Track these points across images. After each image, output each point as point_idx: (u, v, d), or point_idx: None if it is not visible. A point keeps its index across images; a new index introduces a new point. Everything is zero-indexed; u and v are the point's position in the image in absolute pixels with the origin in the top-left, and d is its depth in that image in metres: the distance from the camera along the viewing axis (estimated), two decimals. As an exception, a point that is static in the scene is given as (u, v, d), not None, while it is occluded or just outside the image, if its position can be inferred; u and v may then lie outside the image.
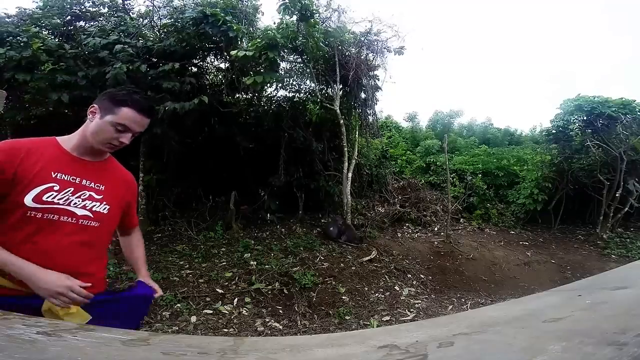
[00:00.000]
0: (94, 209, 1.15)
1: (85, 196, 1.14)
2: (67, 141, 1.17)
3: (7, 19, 3.87)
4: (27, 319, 0.69)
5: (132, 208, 1.37)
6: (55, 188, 1.08)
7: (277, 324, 3.19)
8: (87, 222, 1.13)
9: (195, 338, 0.68)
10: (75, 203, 1.11)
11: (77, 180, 1.13)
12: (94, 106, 1.15)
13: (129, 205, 1.33)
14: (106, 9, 4.80)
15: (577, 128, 6.86)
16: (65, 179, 1.11)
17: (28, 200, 1.04)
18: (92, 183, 1.17)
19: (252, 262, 4.19)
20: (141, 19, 5.12)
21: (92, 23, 4.56)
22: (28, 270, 1.00)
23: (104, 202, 1.18)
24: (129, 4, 5.07)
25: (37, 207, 1.05)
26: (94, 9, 4.63)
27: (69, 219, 1.09)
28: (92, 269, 1.17)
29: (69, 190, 1.10)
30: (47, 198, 1.06)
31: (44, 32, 3.74)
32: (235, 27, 3.86)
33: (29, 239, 1.04)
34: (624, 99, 6.41)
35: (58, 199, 1.08)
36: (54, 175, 1.08)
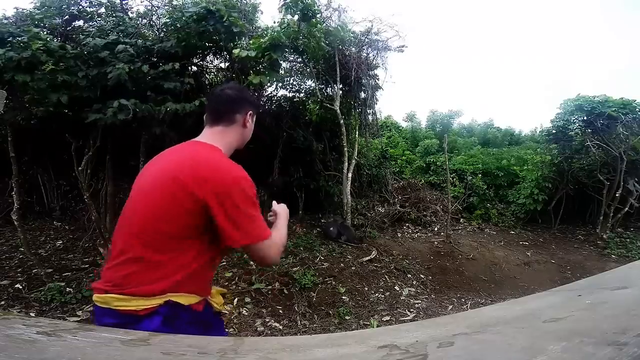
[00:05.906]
0: None
1: None
2: (222, 146, 1.15)
3: (5, 20, 3.86)
4: (27, 319, 0.69)
5: None
6: None
7: (277, 324, 3.19)
8: None
9: (195, 338, 0.68)
10: None
11: None
12: (251, 112, 1.21)
13: None
14: (103, 9, 4.78)
15: (577, 128, 6.85)
16: None
17: None
18: None
19: (252, 262, 4.18)
20: (140, 19, 5.10)
21: (90, 23, 4.55)
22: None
23: None
24: (127, 3, 5.06)
25: None
26: (92, 9, 4.61)
27: None
28: None
29: None
30: None
31: (44, 32, 3.72)
32: (239, 23, 3.85)
33: (212, 261, 1.10)
34: (624, 99, 6.41)
35: None
36: None
